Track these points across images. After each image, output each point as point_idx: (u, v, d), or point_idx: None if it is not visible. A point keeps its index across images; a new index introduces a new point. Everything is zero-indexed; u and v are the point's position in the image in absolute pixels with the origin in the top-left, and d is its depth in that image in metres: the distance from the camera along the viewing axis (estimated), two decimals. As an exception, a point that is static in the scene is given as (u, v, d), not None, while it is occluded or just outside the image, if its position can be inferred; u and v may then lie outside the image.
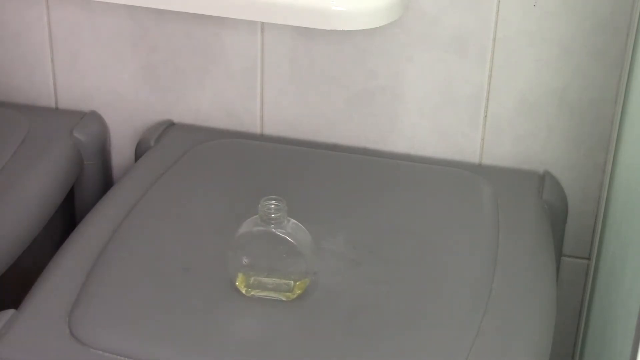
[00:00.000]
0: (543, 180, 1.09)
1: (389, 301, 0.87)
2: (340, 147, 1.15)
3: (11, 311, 0.85)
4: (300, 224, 0.85)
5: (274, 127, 1.16)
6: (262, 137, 1.17)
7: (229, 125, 1.18)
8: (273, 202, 0.84)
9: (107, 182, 1.21)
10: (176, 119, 1.19)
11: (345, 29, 1.00)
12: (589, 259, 1.15)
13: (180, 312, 0.85)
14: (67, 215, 1.15)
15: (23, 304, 0.87)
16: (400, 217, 1.00)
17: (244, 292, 0.86)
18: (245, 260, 0.85)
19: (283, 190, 0.93)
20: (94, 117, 1.19)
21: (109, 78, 1.18)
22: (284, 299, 0.86)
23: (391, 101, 1.12)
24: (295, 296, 0.86)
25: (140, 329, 0.83)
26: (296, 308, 0.85)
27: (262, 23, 1.11)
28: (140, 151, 1.14)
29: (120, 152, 1.22)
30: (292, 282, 0.85)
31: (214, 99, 1.17)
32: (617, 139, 1.05)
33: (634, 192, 0.92)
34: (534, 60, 1.07)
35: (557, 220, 1.08)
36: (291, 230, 0.85)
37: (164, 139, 1.14)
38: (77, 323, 0.83)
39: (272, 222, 0.84)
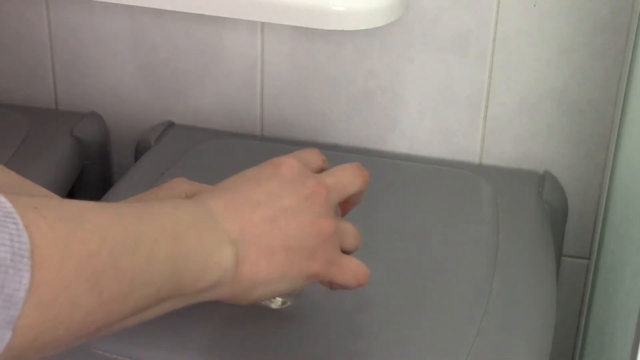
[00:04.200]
0: (543, 180, 1.10)
1: (388, 301, 0.87)
2: (340, 147, 1.15)
3: (11, 311, 0.85)
4: None
5: (274, 127, 1.16)
6: (262, 137, 1.17)
7: (229, 125, 1.18)
8: None
9: (107, 182, 1.21)
10: (176, 119, 1.19)
11: (345, 29, 1.00)
12: (589, 259, 1.15)
13: (180, 313, 0.85)
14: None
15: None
16: (400, 217, 1.00)
17: None
18: None
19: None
20: (94, 117, 1.19)
21: (109, 78, 1.18)
22: (273, 306, 0.85)
23: (391, 101, 1.12)
24: (284, 304, 0.85)
25: (141, 329, 0.83)
26: (295, 308, 0.85)
27: (262, 23, 1.11)
28: (140, 151, 1.14)
29: (120, 152, 1.22)
30: None
31: (214, 99, 1.17)
32: (617, 139, 1.05)
33: (634, 192, 0.92)
34: (534, 60, 1.07)
35: (557, 220, 1.08)
36: None
37: (164, 139, 1.14)
38: (77, 323, 0.83)
39: None
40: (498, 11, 1.05)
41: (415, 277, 0.90)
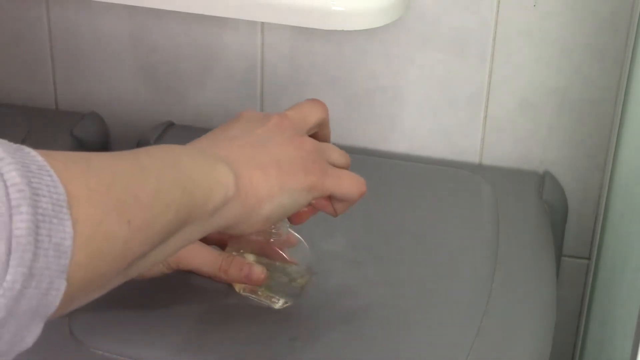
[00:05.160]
0: (543, 180, 1.09)
1: (388, 301, 0.87)
2: (340, 146, 1.15)
3: (11, 311, 0.85)
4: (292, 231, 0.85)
5: (274, 127, 1.16)
6: (262, 137, 1.17)
7: (229, 125, 1.17)
8: None
9: (107, 182, 1.21)
10: (176, 119, 1.19)
11: (345, 29, 1.00)
12: (589, 259, 1.15)
13: (181, 313, 0.85)
14: (67, 215, 1.15)
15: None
16: (400, 217, 1.00)
17: (237, 289, 0.85)
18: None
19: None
20: (94, 118, 1.19)
21: (109, 78, 1.18)
22: (273, 306, 0.85)
23: (391, 101, 1.12)
24: (285, 304, 0.85)
25: (141, 329, 0.83)
26: (295, 308, 0.85)
27: (262, 23, 1.11)
28: (140, 151, 1.14)
29: (120, 152, 1.22)
30: (290, 281, 0.85)
31: (214, 99, 1.17)
32: (617, 139, 1.05)
33: (634, 192, 0.92)
34: (534, 60, 1.07)
35: (557, 220, 1.08)
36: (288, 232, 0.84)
37: (164, 139, 1.14)
38: (77, 323, 0.83)
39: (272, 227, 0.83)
40: (498, 11, 1.05)
41: (415, 277, 0.90)
